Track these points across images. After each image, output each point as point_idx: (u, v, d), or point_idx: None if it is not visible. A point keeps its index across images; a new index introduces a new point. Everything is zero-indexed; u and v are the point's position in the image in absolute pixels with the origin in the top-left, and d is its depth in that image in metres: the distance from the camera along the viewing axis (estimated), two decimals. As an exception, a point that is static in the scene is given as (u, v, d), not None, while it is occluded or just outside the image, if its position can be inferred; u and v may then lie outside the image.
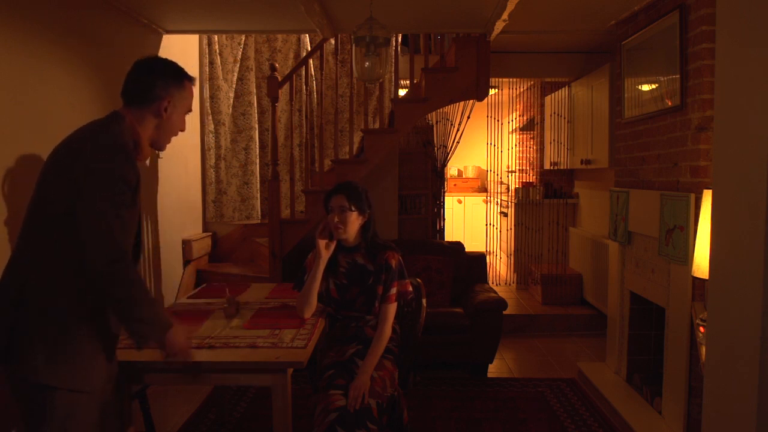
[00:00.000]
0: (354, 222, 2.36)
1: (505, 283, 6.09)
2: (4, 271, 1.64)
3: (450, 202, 7.32)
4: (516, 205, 5.92)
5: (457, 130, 5.23)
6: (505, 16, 3.38)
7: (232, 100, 4.88)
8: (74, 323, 1.58)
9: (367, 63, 2.84)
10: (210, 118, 4.81)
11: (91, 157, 1.58)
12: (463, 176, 8.28)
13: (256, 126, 4.94)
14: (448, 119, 5.29)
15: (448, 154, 5.33)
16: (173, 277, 4.22)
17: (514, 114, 7.02)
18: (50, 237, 1.59)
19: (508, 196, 6.56)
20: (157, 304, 1.70)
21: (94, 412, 1.63)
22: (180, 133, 1.85)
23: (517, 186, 6.35)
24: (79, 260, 1.54)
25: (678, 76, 2.83)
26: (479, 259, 4.42)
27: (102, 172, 1.56)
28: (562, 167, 5.59)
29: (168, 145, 1.85)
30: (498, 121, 6.12)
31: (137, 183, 1.64)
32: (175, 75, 1.77)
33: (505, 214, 6.46)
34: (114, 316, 1.65)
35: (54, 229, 1.58)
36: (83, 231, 1.53)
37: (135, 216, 1.68)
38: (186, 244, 4.42)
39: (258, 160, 4.95)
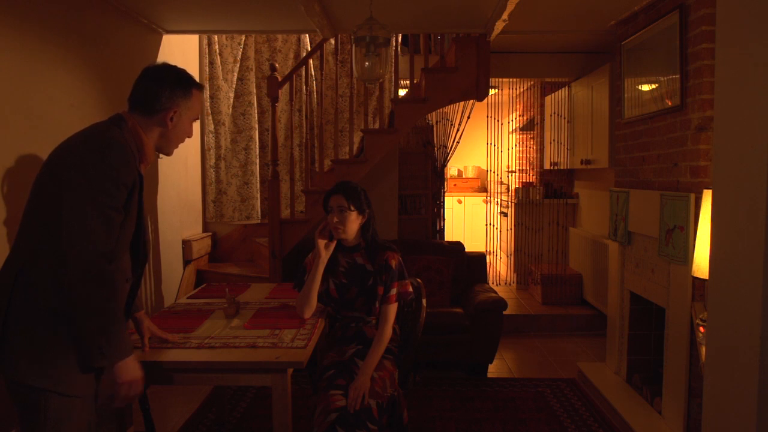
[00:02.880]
0: (353, 222, 2.36)
1: (505, 283, 6.10)
2: (3, 266, 1.64)
3: (450, 202, 7.32)
4: (516, 205, 5.92)
5: (457, 130, 5.23)
6: (505, 16, 3.38)
7: (232, 100, 4.88)
8: (63, 325, 1.55)
9: (367, 63, 2.84)
10: (210, 118, 4.81)
11: (83, 154, 1.56)
12: (463, 176, 8.28)
13: (256, 126, 4.94)
14: (448, 119, 5.29)
15: (448, 154, 5.33)
16: (173, 277, 4.23)
17: (514, 114, 7.02)
18: (43, 238, 1.56)
19: (508, 196, 6.57)
20: (125, 326, 1.61)
21: (89, 416, 1.62)
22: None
23: (517, 186, 6.36)
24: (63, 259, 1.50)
25: (678, 76, 2.83)
26: (479, 259, 4.42)
27: (92, 168, 1.53)
28: (562, 167, 5.59)
29: None
30: (498, 121, 6.12)
31: (135, 184, 1.62)
32: (182, 84, 1.76)
33: (505, 214, 6.46)
34: (79, 324, 1.52)
35: (47, 229, 1.55)
36: (64, 225, 1.48)
37: (131, 218, 1.65)
38: (186, 244, 4.42)
39: (258, 160, 4.95)
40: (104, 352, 1.53)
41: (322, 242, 2.37)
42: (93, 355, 1.53)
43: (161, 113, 1.72)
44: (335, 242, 2.41)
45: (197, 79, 4.91)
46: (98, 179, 1.53)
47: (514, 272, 6.02)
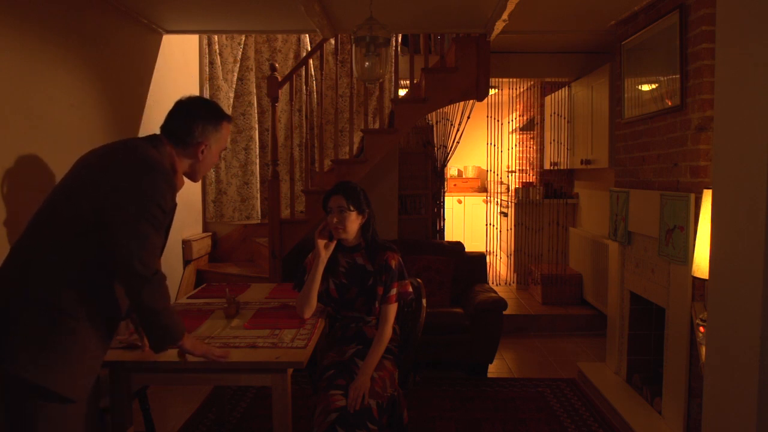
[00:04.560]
0: (353, 222, 2.36)
1: (505, 283, 6.10)
2: (3, 262, 1.65)
3: (450, 202, 7.32)
4: (516, 205, 5.92)
5: (457, 130, 5.23)
6: (505, 16, 3.38)
7: (232, 100, 4.88)
8: (71, 327, 1.58)
9: (367, 63, 2.84)
10: (210, 118, 4.80)
11: (136, 176, 1.63)
12: (463, 176, 8.28)
13: (256, 126, 4.94)
14: (448, 119, 5.29)
15: (448, 154, 5.33)
16: (173, 277, 4.23)
17: (514, 114, 7.02)
18: (64, 241, 1.61)
19: (508, 196, 6.57)
20: (176, 317, 1.78)
21: (80, 422, 1.63)
22: None
23: (517, 186, 6.36)
24: (80, 271, 1.60)
25: (678, 76, 2.83)
26: (479, 259, 4.42)
27: (145, 192, 1.62)
28: (562, 167, 5.59)
29: None
30: (498, 121, 6.12)
31: (172, 210, 1.72)
32: (213, 118, 1.84)
33: (505, 214, 6.46)
34: (140, 322, 1.75)
35: (71, 234, 1.61)
36: (125, 243, 1.59)
37: (164, 238, 1.77)
38: (186, 244, 4.42)
39: (258, 160, 4.95)
40: (167, 338, 1.76)
41: (321, 242, 2.38)
42: (157, 345, 1.75)
43: (193, 146, 1.81)
44: (335, 242, 2.41)
45: (197, 79, 4.92)
46: (152, 203, 1.63)
47: (514, 272, 6.02)
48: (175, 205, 1.73)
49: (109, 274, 1.67)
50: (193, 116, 1.80)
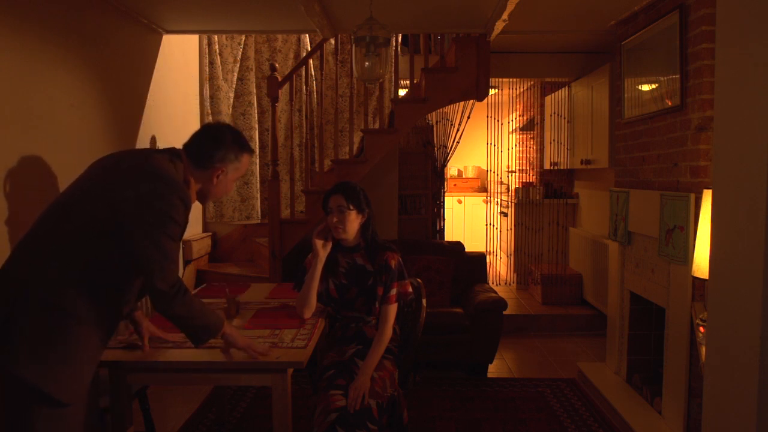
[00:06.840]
0: (353, 221, 2.36)
1: (505, 283, 6.09)
2: (6, 262, 1.65)
3: (450, 202, 7.32)
4: (516, 205, 5.92)
5: (457, 130, 5.23)
6: (505, 16, 3.38)
7: (232, 100, 4.88)
8: (72, 328, 1.58)
9: (367, 63, 2.84)
10: (210, 118, 4.81)
11: (154, 192, 1.66)
12: (463, 176, 8.28)
13: (256, 126, 4.94)
14: (448, 119, 5.29)
15: (448, 154, 5.33)
16: (173, 277, 4.22)
17: (514, 114, 7.02)
18: (66, 243, 1.62)
19: (508, 196, 6.57)
20: (209, 314, 1.87)
21: (78, 422, 1.63)
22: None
23: (517, 186, 6.36)
24: (82, 271, 1.61)
25: (678, 76, 2.83)
26: (479, 259, 4.42)
27: (164, 208, 1.65)
28: (562, 167, 5.59)
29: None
30: (498, 121, 6.12)
31: (185, 225, 1.76)
32: (236, 148, 1.88)
33: (505, 214, 6.46)
34: (175, 326, 1.84)
35: (78, 240, 1.62)
36: (148, 257, 1.65)
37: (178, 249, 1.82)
38: (186, 244, 4.42)
39: (258, 160, 4.96)
40: (204, 335, 1.86)
41: (319, 242, 2.38)
42: (197, 339, 1.86)
43: (210, 170, 1.84)
44: (333, 242, 2.41)
45: (197, 79, 4.91)
46: (169, 218, 1.67)
47: (514, 272, 6.02)
48: (187, 220, 1.76)
49: (109, 275, 1.67)
50: (218, 141, 1.84)
